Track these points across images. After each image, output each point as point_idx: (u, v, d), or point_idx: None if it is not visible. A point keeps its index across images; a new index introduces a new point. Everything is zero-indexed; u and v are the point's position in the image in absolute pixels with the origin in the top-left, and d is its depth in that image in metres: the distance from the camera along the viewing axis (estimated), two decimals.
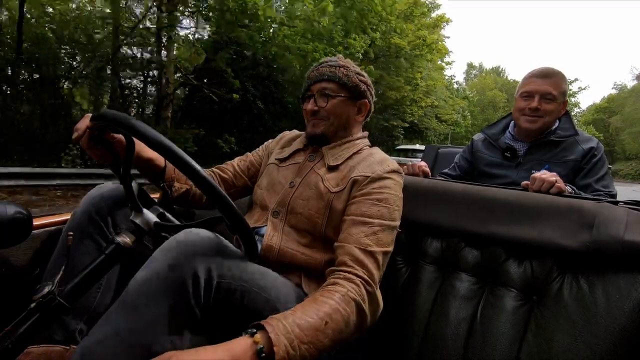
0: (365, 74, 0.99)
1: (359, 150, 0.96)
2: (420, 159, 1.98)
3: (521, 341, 0.78)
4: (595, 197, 1.10)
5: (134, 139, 0.63)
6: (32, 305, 0.54)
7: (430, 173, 1.28)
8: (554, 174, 0.99)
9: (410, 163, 1.30)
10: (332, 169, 0.91)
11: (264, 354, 0.52)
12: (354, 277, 0.72)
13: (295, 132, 1.11)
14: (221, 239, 0.62)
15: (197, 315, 0.56)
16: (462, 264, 0.92)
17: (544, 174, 0.98)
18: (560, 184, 0.96)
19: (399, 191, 0.88)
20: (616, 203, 0.84)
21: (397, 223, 0.84)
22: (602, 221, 0.77)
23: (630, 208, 0.80)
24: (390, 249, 0.82)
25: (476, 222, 0.92)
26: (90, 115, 0.69)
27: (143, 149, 0.83)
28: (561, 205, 0.84)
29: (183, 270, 0.54)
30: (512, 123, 1.42)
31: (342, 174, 0.89)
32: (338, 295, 0.67)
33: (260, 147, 1.12)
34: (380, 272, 0.78)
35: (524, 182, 1.02)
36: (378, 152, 0.96)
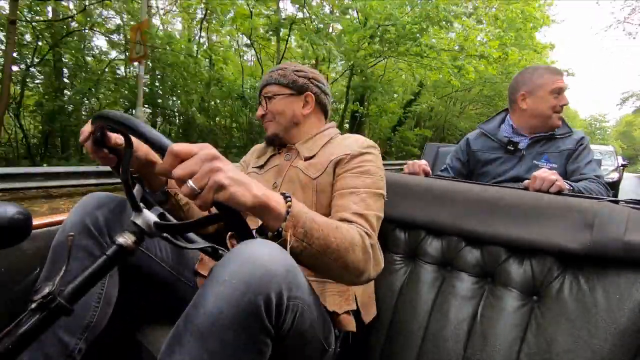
0: (305, 69, 1.01)
1: (331, 139, 0.98)
2: None
3: (521, 341, 0.77)
4: (592, 193, 1.15)
5: (132, 137, 0.63)
6: (33, 305, 0.54)
7: (431, 172, 1.29)
8: (554, 172, 1.01)
9: (410, 162, 1.31)
10: (308, 159, 0.93)
11: (289, 202, 0.61)
12: (355, 225, 0.75)
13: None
14: (285, 252, 0.56)
15: (272, 337, 0.54)
16: (462, 263, 0.92)
17: (544, 173, 0.99)
18: (560, 182, 0.98)
19: (380, 163, 0.91)
20: (617, 202, 0.83)
21: (383, 192, 0.87)
22: (602, 221, 0.77)
23: (631, 207, 0.80)
24: (381, 214, 0.83)
25: (476, 222, 0.92)
26: (83, 130, 0.69)
27: (149, 154, 0.80)
28: (561, 205, 0.84)
29: (255, 295, 0.49)
30: (507, 118, 1.45)
31: (319, 160, 0.91)
32: (345, 224, 0.72)
33: (239, 162, 1.13)
34: (376, 233, 0.79)
35: (526, 182, 1.04)
36: (351, 135, 0.99)
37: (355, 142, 0.92)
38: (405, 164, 1.37)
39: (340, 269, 0.68)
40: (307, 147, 0.96)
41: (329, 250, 0.64)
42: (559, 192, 0.95)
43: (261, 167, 1.01)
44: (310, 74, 1.01)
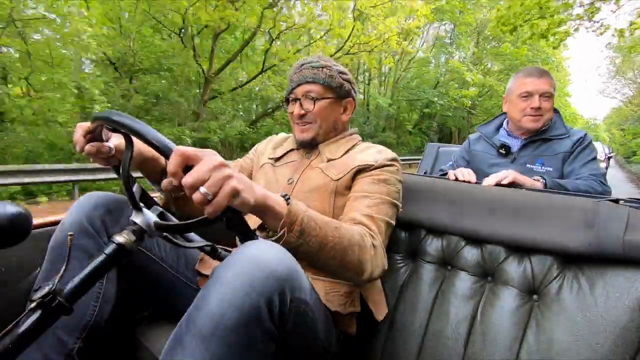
0: (347, 72, 0.98)
1: (354, 145, 0.98)
2: None
3: (521, 340, 0.77)
4: (579, 190, 1.17)
5: (133, 138, 0.63)
6: (33, 304, 0.54)
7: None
8: (511, 171, 1.08)
9: (452, 171, 1.24)
10: (330, 160, 0.93)
11: (288, 202, 0.64)
12: (358, 226, 0.76)
13: (283, 134, 1.11)
14: (289, 254, 0.56)
15: (274, 339, 0.54)
16: (462, 262, 0.92)
17: (496, 174, 1.08)
18: (513, 177, 1.06)
19: (399, 176, 0.91)
20: (617, 201, 0.83)
21: (398, 203, 0.87)
22: (602, 220, 0.77)
23: (631, 206, 0.80)
24: (392, 222, 0.84)
25: (476, 221, 0.92)
26: (80, 124, 0.68)
27: (143, 149, 0.81)
28: (562, 204, 0.84)
29: (258, 297, 0.49)
30: (505, 121, 1.47)
31: (342, 163, 0.91)
32: (345, 224, 0.74)
33: (250, 151, 1.11)
34: (383, 237, 0.80)
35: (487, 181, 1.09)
36: (375, 145, 0.98)
37: (379, 153, 0.92)
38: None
39: (339, 267, 0.69)
40: (331, 150, 0.95)
41: (326, 248, 0.65)
42: (513, 184, 1.03)
43: (277, 159, 1.00)
44: (351, 78, 0.99)
